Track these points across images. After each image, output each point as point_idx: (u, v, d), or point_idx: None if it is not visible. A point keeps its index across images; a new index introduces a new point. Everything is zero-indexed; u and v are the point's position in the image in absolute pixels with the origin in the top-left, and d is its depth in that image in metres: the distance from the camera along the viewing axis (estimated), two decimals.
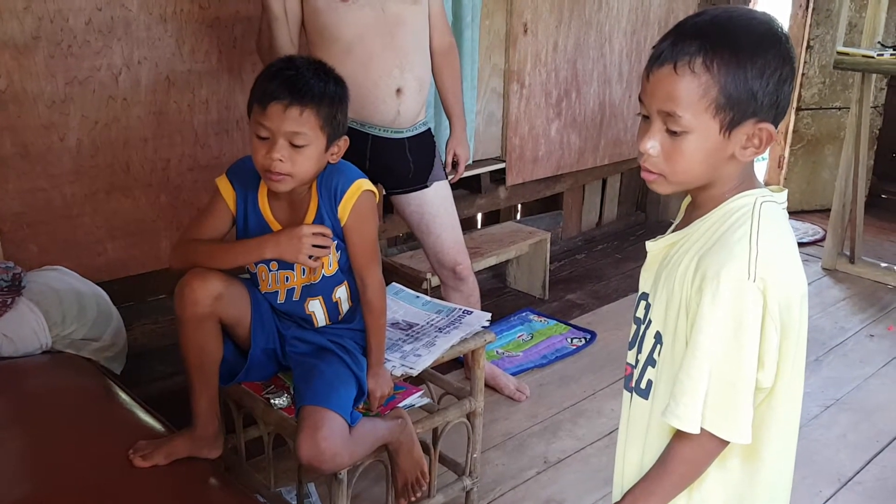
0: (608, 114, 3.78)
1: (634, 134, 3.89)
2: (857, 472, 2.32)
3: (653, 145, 1.04)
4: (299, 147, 1.56)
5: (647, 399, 1.14)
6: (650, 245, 1.17)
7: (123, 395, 1.78)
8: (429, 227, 2.36)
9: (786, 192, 1.11)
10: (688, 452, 1.07)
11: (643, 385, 1.15)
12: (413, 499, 1.84)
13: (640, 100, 1.07)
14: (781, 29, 1.03)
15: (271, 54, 2.01)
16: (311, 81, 1.56)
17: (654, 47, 1.04)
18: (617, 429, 2.51)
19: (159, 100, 2.35)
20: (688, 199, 1.16)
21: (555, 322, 3.16)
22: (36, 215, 2.20)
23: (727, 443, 1.05)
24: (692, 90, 1.00)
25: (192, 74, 2.39)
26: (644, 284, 1.18)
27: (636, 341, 1.17)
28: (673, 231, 1.15)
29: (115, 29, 2.22)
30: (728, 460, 1.10)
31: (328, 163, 1.66)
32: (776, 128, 1.04)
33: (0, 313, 1.83)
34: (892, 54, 3.40)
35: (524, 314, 3.22)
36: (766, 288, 1.00)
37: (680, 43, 1.00)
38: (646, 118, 1.06)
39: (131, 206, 2.37)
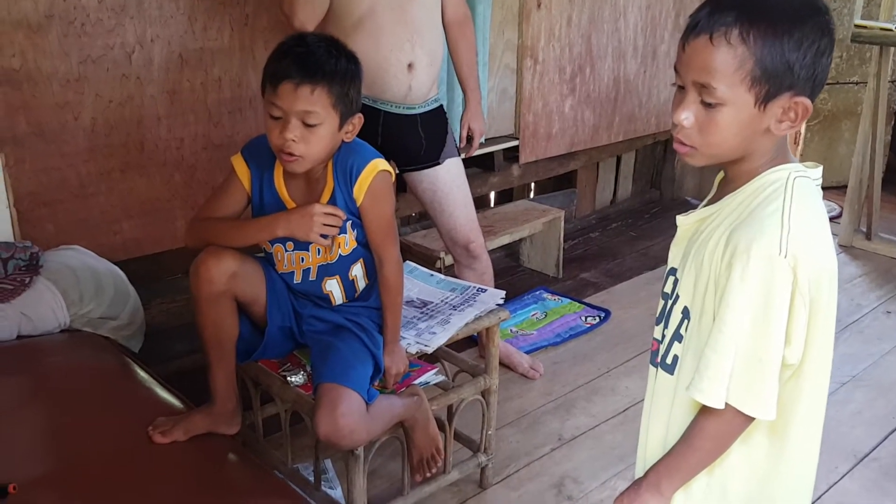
0: (623, 90, 3.74)
1: (649, 110, 3.86)
2: (874, 449, 2.32)
3: (686, 116, 1.03)
4: (312, 126, 1.55)
5: (672, 374, 1.14)
6: (681, 219, 1.15)
7: (142, 373, 1.79)
8: (441, 204, 2.35)
9: (820, 168, 1.09)
10: (712, 428, 1.07)
11: (669, 360, 1.14)
12: (429, 475, 1.86)
13: (675, 69, 1.05)
14: (821, 0, 1.01)
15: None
16: (322, 59, 1.55)
17: (690, 17, 1.02)
18: (631, 406, 2.53)
19: (172, 78, 2.35)
20: (721, 175, 1.15)
21: (569, 300, 3.15)
22: (52, 194, 2.21)
23: (752, 419, 1.05)
24: (728, 62, 0.98)
25: (204, 52, 2.38)
26: (673, 259, 1.17)
27: (663, 317, 1.17)
28: (705, 206, 1.13)
29: (128, 7, 2.21)
30: (753, 437, 1.09)
31: (343, 141, 1.65)
32: (812, 101, 1.02)
33: (18, 293, 1.85)
34: None
35: (538, 293, 3.22)
36: (797, 264, 0.99)
37: (717, 13, 0.99)
38: (681, 88, 1.04)
39: (146, 185, 2.38)
